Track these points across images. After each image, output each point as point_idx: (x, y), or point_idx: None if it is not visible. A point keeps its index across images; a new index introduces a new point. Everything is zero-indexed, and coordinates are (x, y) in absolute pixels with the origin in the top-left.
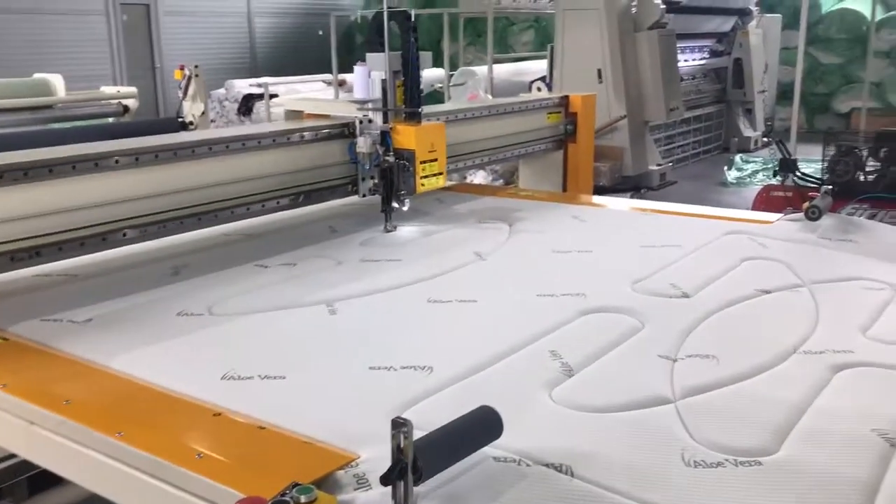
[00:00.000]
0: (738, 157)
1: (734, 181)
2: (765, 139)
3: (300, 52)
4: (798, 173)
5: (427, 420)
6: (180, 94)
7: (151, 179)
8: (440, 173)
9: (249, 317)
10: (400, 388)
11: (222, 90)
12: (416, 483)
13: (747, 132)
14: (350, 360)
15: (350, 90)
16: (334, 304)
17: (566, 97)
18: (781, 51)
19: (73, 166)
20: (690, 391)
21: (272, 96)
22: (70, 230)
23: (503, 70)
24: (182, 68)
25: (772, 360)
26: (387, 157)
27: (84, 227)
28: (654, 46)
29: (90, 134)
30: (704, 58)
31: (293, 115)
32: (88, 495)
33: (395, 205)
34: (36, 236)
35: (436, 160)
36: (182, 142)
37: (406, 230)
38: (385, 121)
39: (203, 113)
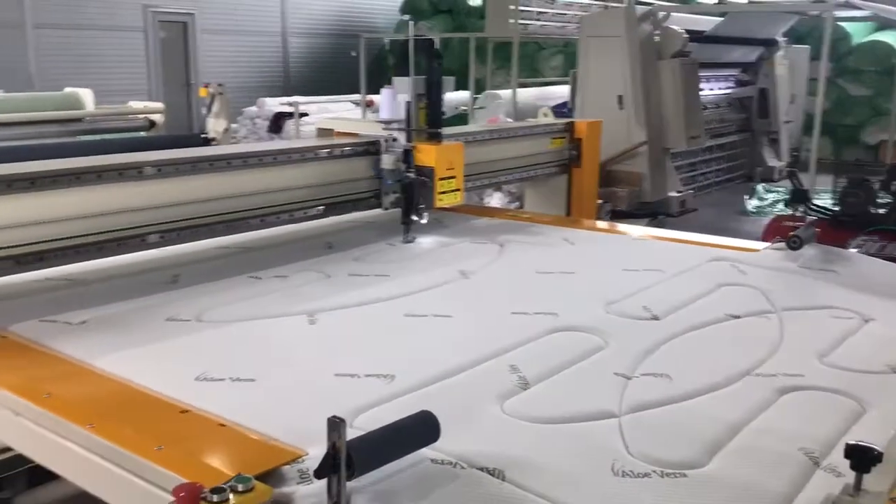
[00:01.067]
0: (759, 187)
1: (754, 210)
2: (788, 169)
3: (332, 72)
4: (809, 204)
5: (378, 424)
6: (204, 111)
7: (187, 188)
8: (457, 190)
9: (234, 324)
10: (359, 394)
11: (254, 108)
12: (349, 478)
13: (772, 162)
14: (319, 366)
15: (378, 111)
16: (315, 314)
17: (571, 123)
18: (809, 81)
19: (99, 175)
20: (637, 407)
21: (302, 115)
22: (97, 233)
23: (528, 94)
24: (207, 86)
25: (723, 381)
26: (408, 173)
27: (114, 231)
28: (677, 75)
29: (114, 147)
30: (729, 87)
31: (325, 132)
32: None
33: (415, 217)
34: (48, 241)
35: (454, 177)
36: (220, 154)
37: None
38: (408, 140)
39: (226, 129)
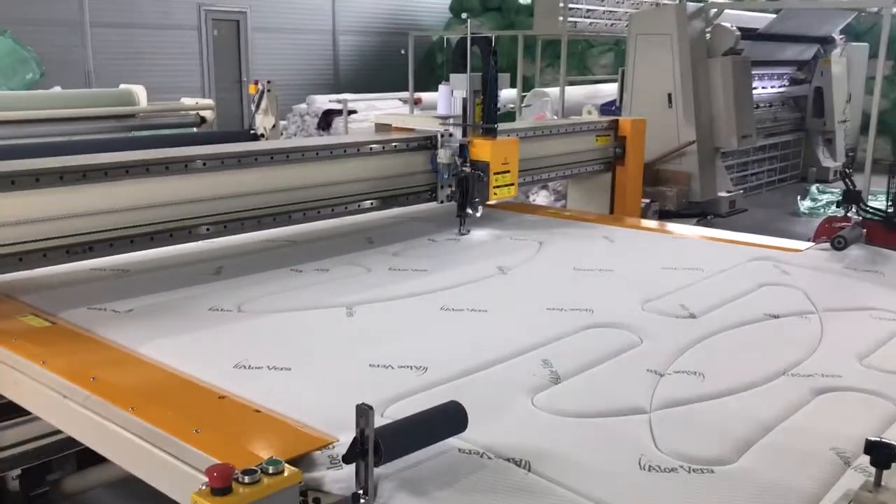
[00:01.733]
0: (813, 188)
1: (806, 211)
2: (842, 170)
3: (382, 69)
4: (862, 205)
5: (408, 413)
6: (253, 108)
7: (241, 180)
8: (511, 184)
9: (273, 315)
10: (392, 385)
11: (304, 105)
12: (377, 464)
13: (826, 162)
14: (354, 357)
15: (426, 108)
16: (354, 307)
17: (616, 120)
18: (867, 80)
19: (167, 167)
20: (667, 403)
21: (351, 112)
22: (156, 223)
23: (577, 92)
24: (256, 83)
25: (758, 380)
26: (463, 168)
27: (164, 222)
28: (728, 73)
29: (165, 142)
30: (783, 85)
31: (382, 128)
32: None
33: (470, 211)
34: (100, 231)
35: (508, 172)
36: (280, 148)
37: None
38: (464, 135)
39: (273, 126)
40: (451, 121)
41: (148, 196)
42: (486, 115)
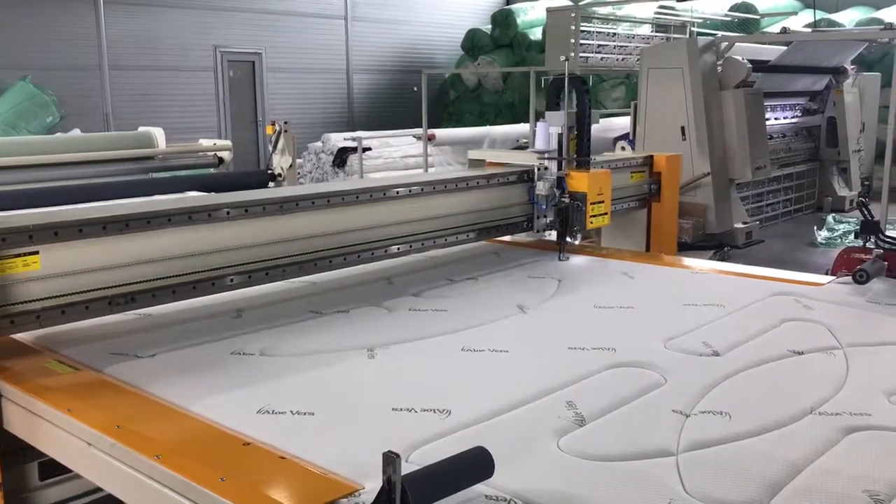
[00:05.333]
0: (830, 217)
1: (823, 241)
2: (859, 199)
3: (395, 107)
4: (881, 235)
5: (434, 459)
6: (270, 148)
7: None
8: (605, 213)
9: (295, 358)
10: (416, 429)
11: (319, 143)
12: None
13: (842, 192)
14: (377, 401)
15: (439, 144)
16: (375, 349)
17: (650, 157)
18: (881, 109)
19: (228, 212)
20: (695, 445)
21: (366, 149)
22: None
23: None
24: (273, 124)
25: (785, 420)
26: (563, 199)
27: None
28: (740, 105)
29: (184, 184)
30: (796, 116)
31: (476, 163)
32: None
33: (569, 239)
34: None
35: (602, 202)
36: (384, 185)
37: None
38: (559, 168)
39: (291, 166)
40: (548, 155)
41: (199, 243)
42: (580, 148)
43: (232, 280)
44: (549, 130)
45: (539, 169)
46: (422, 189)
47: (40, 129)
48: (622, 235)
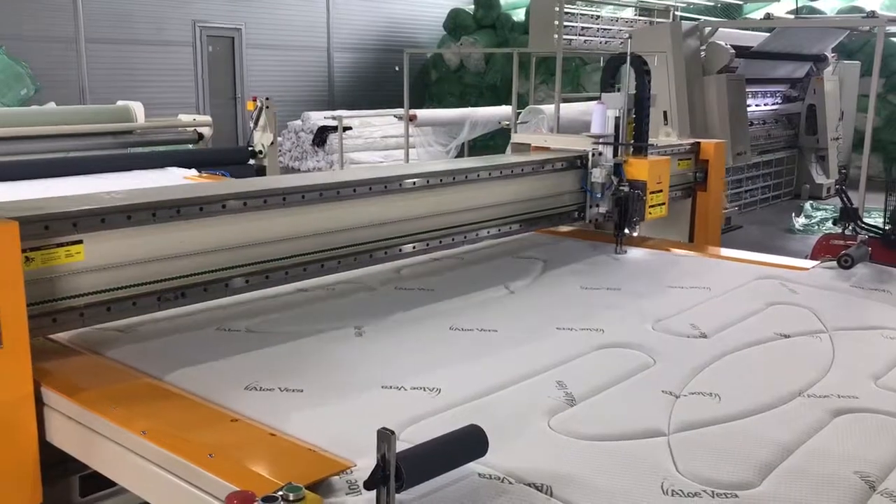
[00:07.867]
0: (807, 205)
1: (801, 228)
2: (837, 187)
3: (377, 86)
4: (859, 223)
5: (425, 437)
6: (251, 125)
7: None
8: (663, 203)
9: (282, 335)
10: (406, 407)
11: (299, 121)
12: (399, 490)
13: (820, 179)
14: (366, 378)
15: (421, 124)
16: (363, 327)
17: (697, 143)
18: (860, 98)
19: (303, 196)
20: (686, 426)
21: (346, 129)
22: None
23: (572, 109)
24: (254, 100)
25: (774, 402)
26: (622, 187)
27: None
28: (723, 91)
29: (165, 159)
30: (777, 103)
31: (520, 147)
32: None
33: (627, 231)
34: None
35: (661, 191)
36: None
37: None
38: (615, 154)
39: (272, 143)
40: (603, 140)
41: (263, 232)
42: (638, 133)
43: (287, 273)
44: (605, 113)
45: (594, 155)
46: (478, 175)
47: (15, 102)
48: (663, 225)
